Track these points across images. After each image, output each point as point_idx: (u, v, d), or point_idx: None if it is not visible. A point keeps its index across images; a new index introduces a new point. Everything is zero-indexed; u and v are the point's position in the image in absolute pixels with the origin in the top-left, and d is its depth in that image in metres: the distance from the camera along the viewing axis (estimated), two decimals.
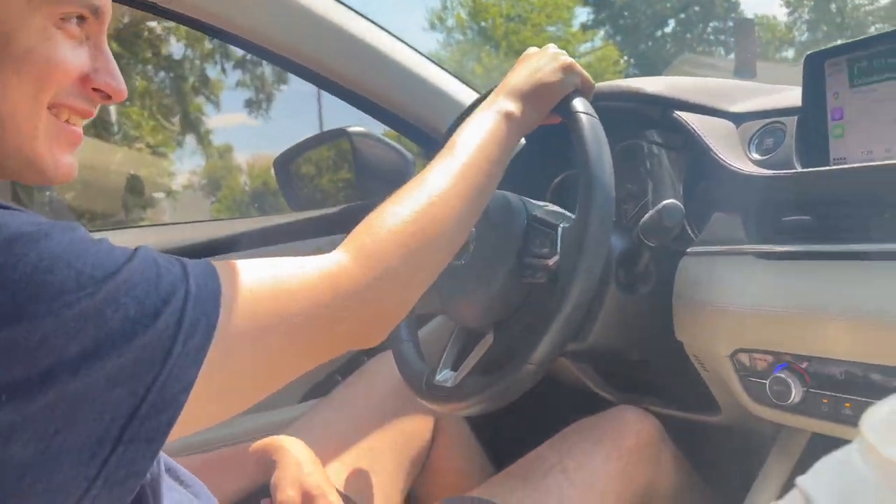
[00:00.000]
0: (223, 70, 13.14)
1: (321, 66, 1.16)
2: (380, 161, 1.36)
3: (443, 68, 1.28)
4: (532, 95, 0.77)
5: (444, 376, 0.91)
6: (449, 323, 0.99)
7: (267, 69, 14.22)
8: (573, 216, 0.84)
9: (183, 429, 0.47)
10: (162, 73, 12.18)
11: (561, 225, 0.81)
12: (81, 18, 0.54)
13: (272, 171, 1.41)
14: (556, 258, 0.79)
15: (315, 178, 1.51)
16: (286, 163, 1.43)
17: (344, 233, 1.32)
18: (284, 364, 0.55)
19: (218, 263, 0.52)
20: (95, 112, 0.59)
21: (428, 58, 1.27)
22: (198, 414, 0.48)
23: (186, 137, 13.15)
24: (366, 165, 1.35)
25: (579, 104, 0.79)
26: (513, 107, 0.76)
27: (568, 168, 1.11)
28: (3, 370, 0.40)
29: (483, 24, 18.34)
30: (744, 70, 16.79)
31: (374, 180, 1.36)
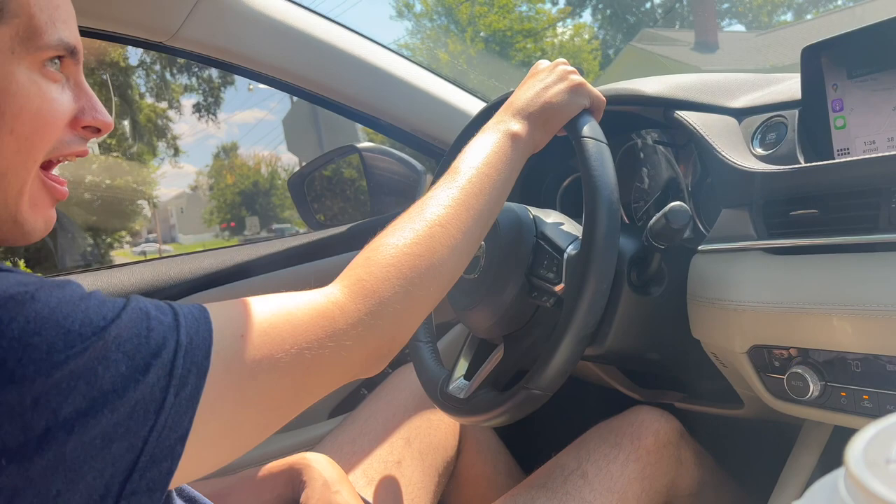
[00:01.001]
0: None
1: (322, 88, 1.17)
2: (391, 174, 1.38)
3: (444, 78, 1.29)
4: (540, 116, 0.76)
5: (458, 386, 0.92)
6: (465, 329, 1.01)
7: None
8: (577, 236, 0.85)
9: (191, 473, 0.48)
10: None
11: (567, 250, 0.82)
12: (59, 59, 0.54)
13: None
14: (562, 286, 0.80)
15: (329, 195, 1.52)
16: (299, 182, 1.46)
17: (357, 249, 1.34)
18: (282, 403, 0.54)
19: (210, 306, 0.52)
20: (89, 150, 0.59)
21: (428, 68, 1.28)
22: (202, 458, 0.48)
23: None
24: (377, 179, 1.36)
25: (587, 129, 0.78)
26: (519, 127, 0.75)
27: (576, 172, 1.12)
28: (1, 434, 0.40)
29: (449, 7, 18.07)
30: (704, 44, 16.51)
31: (386, 193, 1.37)
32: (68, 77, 0.55)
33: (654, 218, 0.81)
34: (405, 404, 1.08)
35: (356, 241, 1.30)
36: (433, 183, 1.01)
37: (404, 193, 1.37)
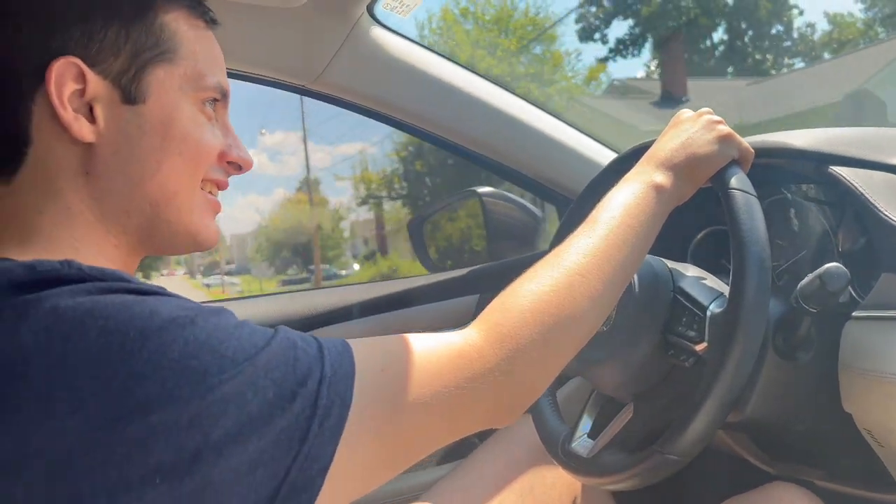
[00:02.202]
0: None
1: (453, 133, 1.19)
2: (510, 220, 1.37)
3: (570, 124, 1.28)
4: (685, 168, 0.73)
5: (582, 444, 0.89)
6: (587, 383, 0.97)
7: None
8: (721, 292, 0.80)
9: None
10: None
11: (710, 308, 0.77)
12: (214, 101, 0.61)
13: None
14: (704, 345, 0.76)
15: (447, 238, 1.54)
16: (419, 225, 1.48)
17: (475, 293, 1.33)
18: (416, 443, 0.55)
19: (353, 342, 0.53)
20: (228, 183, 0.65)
21: (553, 114, 1.27)
22: (335, 492, 0.48)
23: None
24: (496, 225, 1.37)
25: (735, 180, 0.74)
26: (663, 179, 0.72)
27: (711, 224, 1.07)
28: (156, 452, 0.42)
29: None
30: (669, 96, 15.76)
31: (504, 239, 1.37)
32: (218, 118, 0.62)
33: (807, 279, 0.76)
34: (519, 457, 1.05)
35: (473, 285, 1.30)
36: (562, 231, 0.99)
37: (523, 239, 1.36)
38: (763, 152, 0.88)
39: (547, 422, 0.94)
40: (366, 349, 0.53)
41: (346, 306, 1.25)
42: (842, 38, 21.08)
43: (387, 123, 1.15)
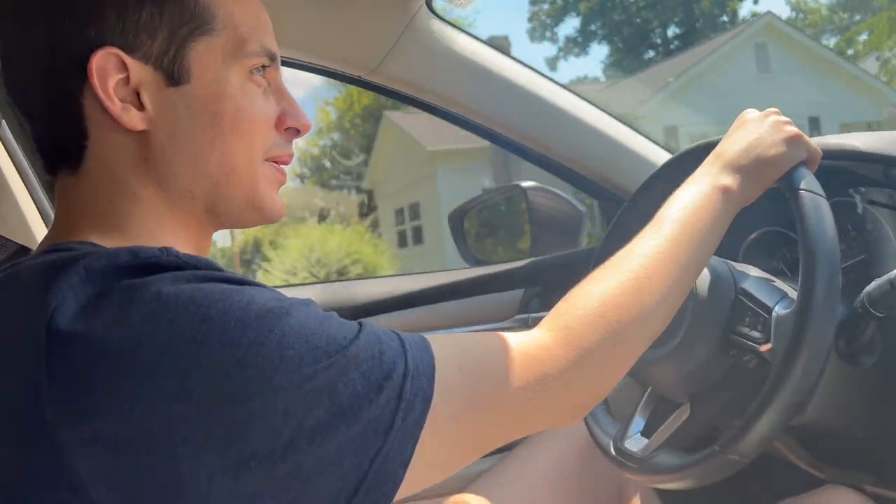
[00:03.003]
0: None
1: (508, 129, 1.19)
2: (553, 214, 1.37)
3: (622, 122, 1.28)
4: (752, 170, 0.73)
5: (635, 442, 0.88)
6: (633, 381, 0.97)
7: None
8: (785, 292, 0.80)
9: (398, 496, 0.49)
10: None
11: (776, 309, 0.77)
12: (262, 68, 0.59)
13: None
14: (769, 345, 0.75)
15: (488, 232, 1.53)
16: (460, 218, 1.48)
17: (519, 288, 1.33)
18: (486, 439, 0.55)
19: (430, 338, 0.54)
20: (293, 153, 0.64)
21: (606, 111, 1.27)
22: (412, 482, 0.49)
23: None
24: (540, 219, 1.36)
25: (804, 182, 0.74)
26: (730, 181, 0.72)
27: (765, 224, 1.06)
28: (252, 438, 0.43)
29: None
30: None
31: (548, 234, 1.36)
32: (270, 83, 0.60)
33: (875, 283, 0.76)
34: (566, 453, 1.05)
35: (517, 279, 1.30)
36: (614, 232, 0.99)
37: (566, 234, 1.36)
38: (831, 154, 0.88)
39: (599, 420, 0.94)
40: (443, 346, 0.54)
41: (388, 298, 1.25)
42: (808, 25, 20.71)
43: (442, 117, 1.15)
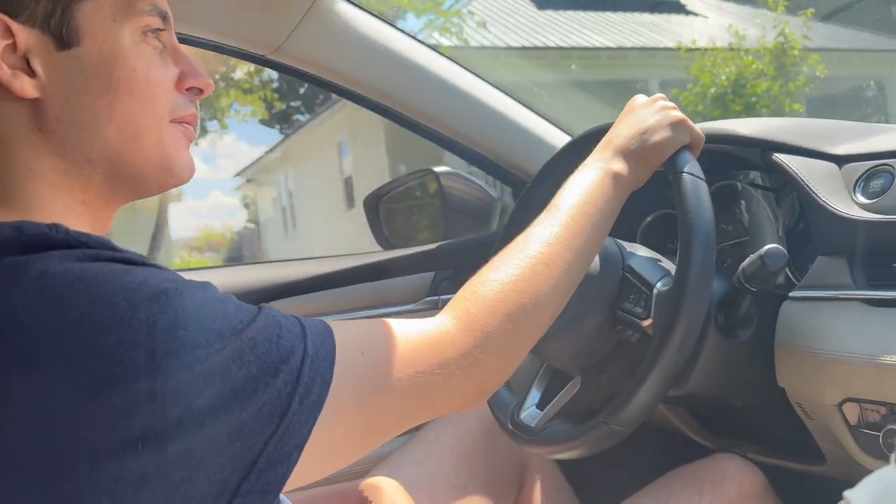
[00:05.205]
0: None
1: (413, 111, 1.20)
2: (466, 199, 1.39)
3: (527, 106, 1.30)
4: (641, 154, 0.76)
5: (530, 415, 0.91)
6: (538, 359, 1.00)
7: None
8: (668, 271, 0.84)
9: (297, 480, 0.50)
10: None
11: (657, 286, 0.81)
12: (156, 31, 0.57)
13: None
14: (650, 321, 0.79)
15: (402, 216, 1.54)
16: (375, 202, 1.48)
17: (431, 270, 1.34)
18: (389, 423, 0.56)
19: (332, 323, 0.54)
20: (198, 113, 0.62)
21: (514, 98, 1.29)
22: (309, 467, 0.50)
23: None
24: (452, 204, 1.38)
25: (686, 165, 0.77)
26: (620, 166, 0.74)
27: (661, 207, 1.11)
28: (140, 420, 0.42)
29: None
30: None
31: (460, 218, 1.38)
32: (165, 45, 0.59)
33: (749, 259, 0.80)
34: (472, 431, 1.07)
35: (429, 262, 1.31)
36: (516, 213, 1.01)
37: (478, 218, 1.38)
38: (713, 138, 0.92)
39: (497, 394, 0.97)
40: (346, 331, 0.55)
41: (296, 280, 1.23)
42: None
43: (347, 98, 1.15)
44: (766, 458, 0.99)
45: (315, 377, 0.49)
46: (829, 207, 0.81)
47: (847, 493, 0.38)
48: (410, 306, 1.25)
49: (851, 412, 0.78)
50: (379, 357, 0.55)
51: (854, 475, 0.86)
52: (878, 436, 0.74)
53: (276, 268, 1.27)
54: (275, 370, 0.47)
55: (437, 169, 1.37)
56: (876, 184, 0.81)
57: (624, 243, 0.89)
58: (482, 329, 0.60)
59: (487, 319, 0.60)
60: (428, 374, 0.56)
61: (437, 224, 1.41)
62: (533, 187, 1.02)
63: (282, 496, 0.77)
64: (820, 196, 0.82)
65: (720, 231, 1.02)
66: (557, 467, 1.12)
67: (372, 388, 0.53)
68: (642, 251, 0.89)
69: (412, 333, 0.57)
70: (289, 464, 0.48)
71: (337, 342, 0.52)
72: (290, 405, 0.47)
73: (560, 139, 1.28)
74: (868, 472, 0.80)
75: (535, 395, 0.94)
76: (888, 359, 0.71)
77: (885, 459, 0.75)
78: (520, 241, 0.68)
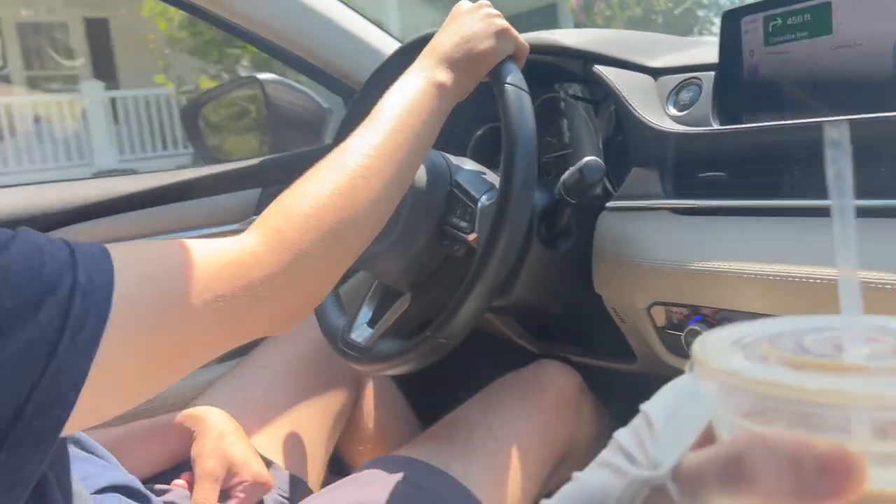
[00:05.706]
0: None
1: (231, 12, 1.08)
2: (294, 110, 1.31)
3: (361, 14, 1.23)
4: (465, 63, 0.73)
5: (360, 333, 0.90)
6: (371, 276, 0.98)
7: None
8: (493, 185, 0.83)
9: (84, 422, 0.45)
10: None
11: (481, 200, 0.80)
12: None
13: None
14: (474, 235, 0.79)
15: (225, 128, 1.43)
16: (193, 112, 1.36)
17: (257, 187, 1.26)
18: (189, 353, 0.52)
19: (112, 247, 0.48)
20: None
21: (344, 2, 1.21)
22: (96, 407, 0.45)
23: None
24: (279, 115, 1.29)
25: (510, 76, 0.76)
26: (445, 75, 0.72)
27: (491, 120, 1.10)
28: None
29: None
30: None
31: (288, 130, 1.30)
32: None
33: (568, 172, 0.81)
34: (302, 351, 1.04)
35: (255, 178, 1.23)
36: (345, 124, 0.96)
37: (308, 131, 1.30)
38: (538, 49, 0.91)
39: (327, 314, 0.94)
40: (128, 255, 0.48)
41: (100, 202, 1.11)
42: None
43: (174, 5, 1.02)
44: (585, 360, 1.05)
45: (89, 309, 0.43)
46: (643, 119, 0.83)
47: (643, 406, 0.38)
48: (235, 226, 1.18)
49: (659, 315, 0.83)
50: (171, 283, 0.49)
51: (661, 371, 0.94)
52: (681, 336, 0.80)
53: (71, 187, 1.12)
54: (36, 304, 0.41)
55: (261, 76, 1.27)
56: (685, 96, 0.84)
57: (451, 157, 0.88)
58: (293, 248, 0.55)
59: (299, 237, 0.56)
60: (230, 298, 0.51)
61: (263, 136, 1.33)
62: (361, 96, 0.97)
63: (84, 435, 0.71)
64: (635, 108, 0.84)
65: (545, 144, 1.03)
66: (392, 381, 1.13)
67: (160, 319, 0.48)
68: (469, 165, 0.88)
69: (211, 254, 0.52)
70: (64, 406, 0.42)
71: (117, 268, 0.46)
72: (59, 342, 0.42)
73: (392, 46, 1.22)
74: (672, 369, 0.87)
75: (366, 314, 0.93)
76: (688, 264, 0.76)
77: (687, 357, 0.82)
78: (337, 152, 0.63)
